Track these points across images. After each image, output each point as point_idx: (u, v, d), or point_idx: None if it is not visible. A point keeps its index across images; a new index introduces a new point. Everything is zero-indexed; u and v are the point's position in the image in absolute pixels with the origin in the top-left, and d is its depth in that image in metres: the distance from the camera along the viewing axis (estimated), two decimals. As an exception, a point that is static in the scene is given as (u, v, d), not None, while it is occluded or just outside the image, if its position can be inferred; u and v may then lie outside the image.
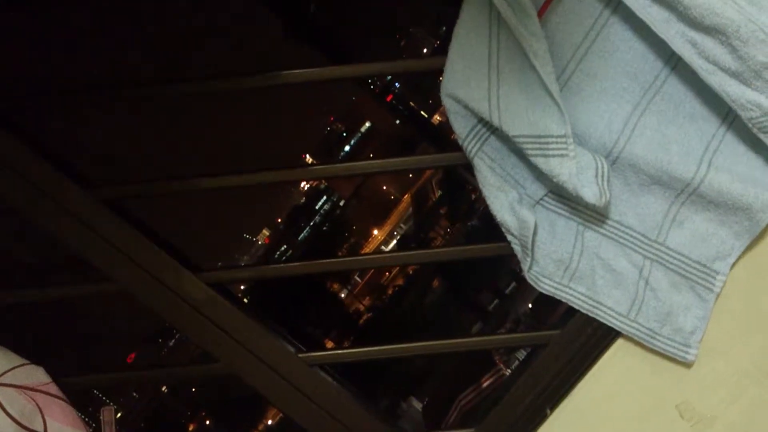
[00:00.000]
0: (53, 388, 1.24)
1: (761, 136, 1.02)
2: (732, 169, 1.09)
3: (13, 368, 1.21)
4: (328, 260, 1.34)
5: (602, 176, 1.05)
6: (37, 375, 1.24)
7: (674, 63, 1.08)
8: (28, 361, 1.24)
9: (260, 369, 1.30)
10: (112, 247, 1.27)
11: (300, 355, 1.31)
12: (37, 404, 1.20)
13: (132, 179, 1.34)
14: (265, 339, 1.31)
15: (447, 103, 1.16)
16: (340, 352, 1.36)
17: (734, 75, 0.97)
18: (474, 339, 1.36)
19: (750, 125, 1.01)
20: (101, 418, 1.30)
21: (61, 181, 1.27)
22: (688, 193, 1.11)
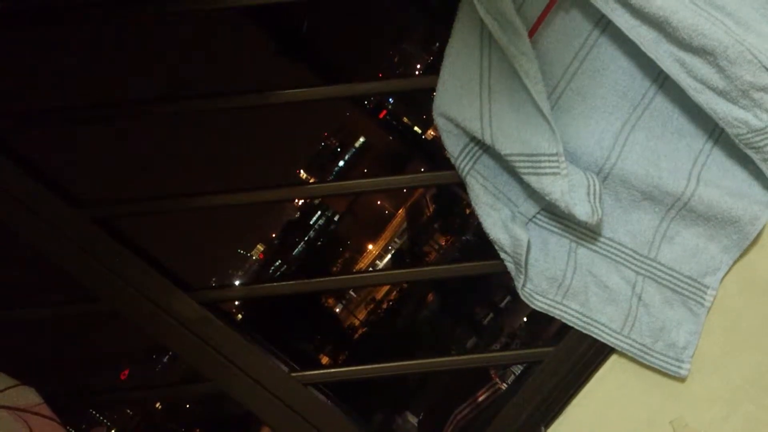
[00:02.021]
0: (45, 409, 1.23)
1: (749, 152, 1.03)
2: (720, 183, 1.10)
3: (5, 389, 1.21)
4: (320, 279, 1.34)
5: (594, 194, 1.06)
6: (28, 396, 1.23)
7: (661, 81, 1.09)
8: (19, 382, 1.23)
9: (254, 389, 1.29)
10: (103, 267, 1.27)
11: (293, 375, 1.31)
12: (28, 425, 1.19)
13: (123, 197, 1.34)
14: (259, 359, 1.30)
15: (439, 121, 1.17)
16: (333, 370, 1.35)
17: (722, 94, 0.98)
18: (468, 357, 1.35)
19: (737, 142, 1.02)
20: (93, 438, 1.29)
21: (53, 200, 1.27)
22: (678, 208, 1.11)
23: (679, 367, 1.16)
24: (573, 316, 1.20)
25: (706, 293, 1.15)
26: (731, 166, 1.11)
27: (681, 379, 1.19)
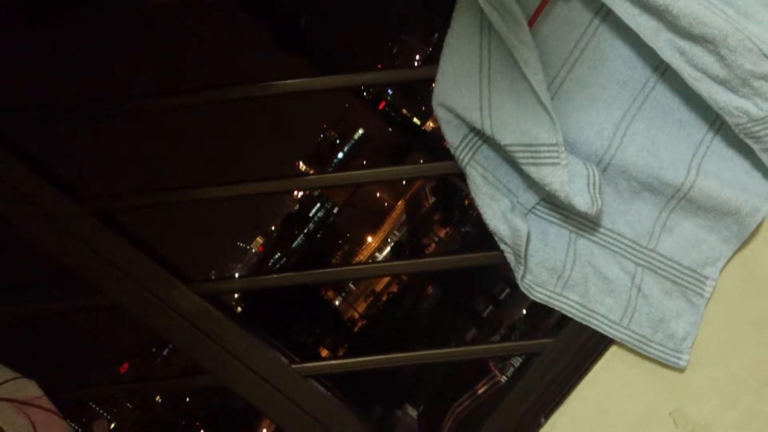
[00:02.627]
0: (45, 402, 1.23)
1: (749, 141, 1.02)
2: (720, 174, 1.10)
3: (5, 382, 1.21)
4: (320, 270, 1.34)
5: (594, 184, 1.06)
6: (29, 388, 1.23)
7: (662, 70, 1.09)
8: (20, 375, 1.23)
9: (254, 381, 1.30)
10: (103, 260, 1.27)
11: (294, 366, 1.31)
12: (29, 418, 1.20)
13: (123, 191, 1.34)
14: (259, 351, 1.30)
15: (439, 112, 1.17)
16: (333, 362, 1.35)
17: (722, 82, 0.98)
18: (467, 348, 1.35)
19: (737, 131, 1.02)
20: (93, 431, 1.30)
21: (52, 194, 1.26)
22: (678, 199, 1.11)
23: (678, 358, 1.16)
24: (572, 307, 1.20)
25: (705, 284, 1.14)
26: (732, 157, 1.10)
27: (681, 370, 1.19)
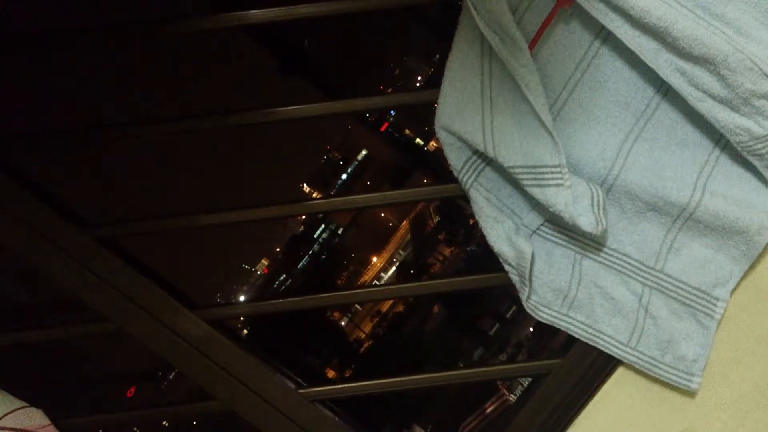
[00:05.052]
0: (52, 431, 1.23)
1: (751, 159, 1.03)
2: (726, 193, 1.09)
3: (12, 411, 1.21)
4: (324, 294, 1.33)
5: (598, 205, 1.06)
6: (36, 417, 1.23)
7: (664, 91, 1.09)
8: (26, 404, 1.23)
9: (260, 406, 1.29)
10: (109, 286, 1.27)
11: (300, 391, 1.30)
12: (35, 448, 1.19)
13: (127, 217, 1.34)
14: (265, 376, 1.30)
15: (441, 135, 1.17)
16: (340, 386, 1.34)
17: (723, 102, 0.98)
18: (474, 371, 1.35)
19: (740, 149, 1.02)
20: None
21: (57, 221, 1.27)
22: (684, 219, 1.11)
23: (689, 380, 1.15)
24: (579, 327, 1.19)
25: (716, 305, 1.13)
26: (738, 176, 1.10)
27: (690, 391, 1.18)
